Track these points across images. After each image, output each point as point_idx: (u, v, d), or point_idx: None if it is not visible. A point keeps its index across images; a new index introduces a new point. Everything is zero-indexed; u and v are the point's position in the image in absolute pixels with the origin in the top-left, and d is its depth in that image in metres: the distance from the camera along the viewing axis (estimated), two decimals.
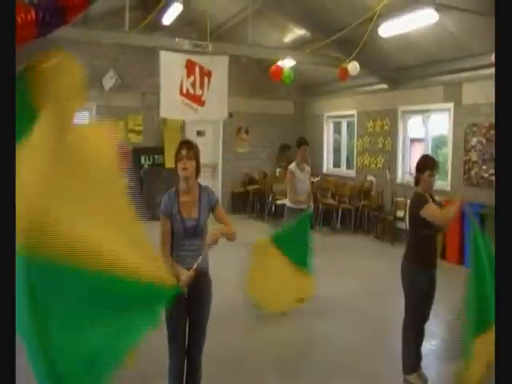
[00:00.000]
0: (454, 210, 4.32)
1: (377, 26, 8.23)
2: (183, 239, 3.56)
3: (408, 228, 4.72)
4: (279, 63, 10.29)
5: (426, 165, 4.47)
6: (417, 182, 4.54)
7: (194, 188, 3.61)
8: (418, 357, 4.54)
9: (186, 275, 3.31)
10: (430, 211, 4.32)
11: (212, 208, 3.64)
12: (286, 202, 6.98)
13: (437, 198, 8.75)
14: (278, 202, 12.21)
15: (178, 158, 3.54)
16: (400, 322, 4.65)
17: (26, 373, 2.48)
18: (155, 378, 4.38)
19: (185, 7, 10.78)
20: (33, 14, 3.20)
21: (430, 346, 5.34)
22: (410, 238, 4.61)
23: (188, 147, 3.54)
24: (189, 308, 3.62)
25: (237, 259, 5.93)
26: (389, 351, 5.17)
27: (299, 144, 7.02)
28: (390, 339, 5.43)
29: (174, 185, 3.69)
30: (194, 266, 3.33)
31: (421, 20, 7.63)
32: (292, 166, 6.94)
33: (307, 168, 7.04)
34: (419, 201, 4.41)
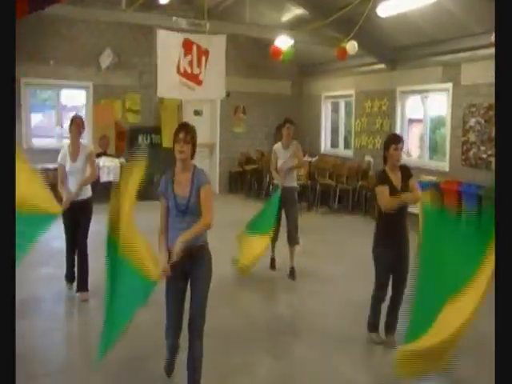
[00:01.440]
0: (399, 202, 4.65)
1: (375, 5, 8.17)
2: (176, 216, 3.77)
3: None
4: (276, 43, 10.22)
5: (391, 140, 4.82)
6: (385, 160, 4.86)
7: (188, 168, 3.81)
8: (378, 318, 5.03)
9: (162, 266, 3.64)
10: (379, 193, 4.75)
11: (198, 188, 3.75)
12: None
13: (434, 178, 8.71)
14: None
15: (175, 140, 3.73)
16: None
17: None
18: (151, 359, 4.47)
19: None
20: None
21: None
22: (377, 211, 5.01)
23: (186, 131, 3.72)
24: (189, 280, 3.83)
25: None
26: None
27: (284, 123, 7.23)
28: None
29: (171, 164, 3.90)
30: (174, 258, 3.61)
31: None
32: (276, 144, 7.28)
33: (292, 145, 7.15)
34: (379, 178, 4.84)
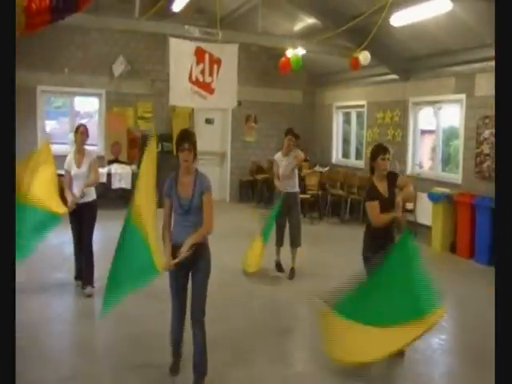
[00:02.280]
0: (389, 219, 4.80)
1: (389, 14, 8.13)
2: (181, 215, 4.12)
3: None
4: (288, 53, 10.22)
5: (378, 150, 4.90)
6: (372, 170, 4.98)
7: (191, 172, 4.15)
8: None
9: (167, 260, 4.02)
10: (369, 208, 4.86)
11: (201, 193, 4.10)
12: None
13: (447, 190, 8.68)
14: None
15: (179, 149, 4.06)
16: None
17: None
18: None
19: None
20: (47, 0, 3.21)
21: (438, 340, 5.33)
22: (366, 221, 5.09)
23: (189, 140, 4.05)
24: (190, 273, 4.17)
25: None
26: None
27: (286, 133, 7.65)
28: None
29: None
30: (180, 257, 3.96)
31: (434, 9, 7.52)
32: (277, 154, 7.65)
33: (292, 154, 7.49)
34: (368, 193, 4.94)
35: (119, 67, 12.57)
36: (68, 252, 7.94)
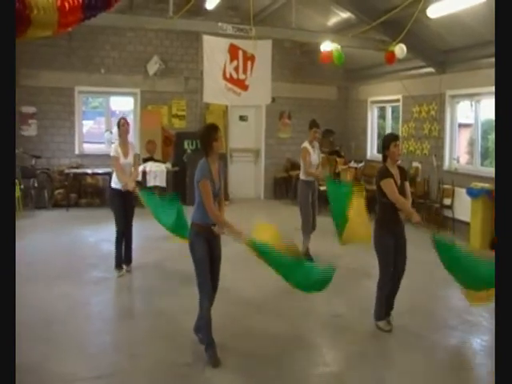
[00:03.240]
0: (406, 206, 5.09)
1: (425, 6, 7.98)
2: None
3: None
4: (322, 48, 10.14)
5: (390, 139, 5.22)
6: (385, 158, 5.22)
7: (217, 159, 4.65)
8: (386, 306, 5.28)
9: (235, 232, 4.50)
10: (387, 186, 5.06)
11: (222, 179, 4.70)
12: (301, 175, 7.96)
13: (487, 185, 8.59)
14: (321, 187, 12.07)
15: (214, 139, 4.51)
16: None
17: None
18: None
19: None
20: None
21: (481, 341, 5.18)
22: (378, 205, 5.33)
23: (220, 130, 4.60)
24: (211, 253, 4.59)
25: None
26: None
27: (310, 126, 7.98)
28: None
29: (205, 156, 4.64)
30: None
31: None
32: (306, 144, 7.90)
33: (317, 146, 8.01)
34: (382, 172, 5.14)
35: (154, 66, 12.70)
36: (105, 250, 8.11)
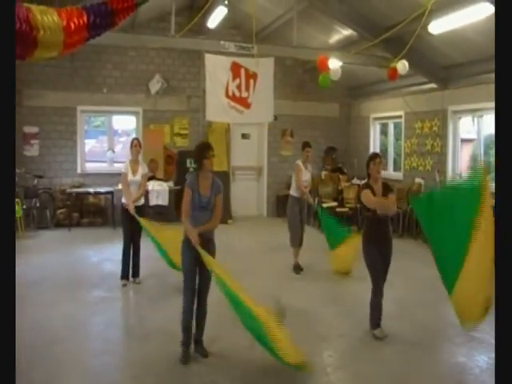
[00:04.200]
0: (384, 201, 5.50)
1: (427, 22, 7.99)
2: (198, 210, 4.89)
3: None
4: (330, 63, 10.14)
5: (370, 158, 5.67)
6: (368, 176, 5.66)
7: (209, 175, 4.99)
8: (380, 315, 5.55)
9: (194, 236, 4.74)
10: (364, 196, 5.49)
11: (215, 194, 4.95)
12: (291, 191, 8.43)
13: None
14: (324, 205, 12.04)
15: (206, 157, 4.88)
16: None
17: None
18: None
19: (229, 10, 10.82)
20: (85, 18, 3.25)
21: (488, 359, 5.07)
22: (364, 221, 5.80)
23: (212, 149, 4.97)
24: (199, 262, 4.85)
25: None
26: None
27: (303, 147, 8.38)
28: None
29: (197, 171, 5.01)
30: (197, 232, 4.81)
31: (474, 14, 7.33)
32: (299, 161, 8.33)
33: (309, 167, 8.53)
34: (362, 186, 5.66)
35: (156, 85, 12.74)
36: (107, 269, 8.07)
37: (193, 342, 5.05)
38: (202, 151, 4.91)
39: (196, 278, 4.97)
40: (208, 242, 4.93)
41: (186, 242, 4.90)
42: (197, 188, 4.87)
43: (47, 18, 3.00)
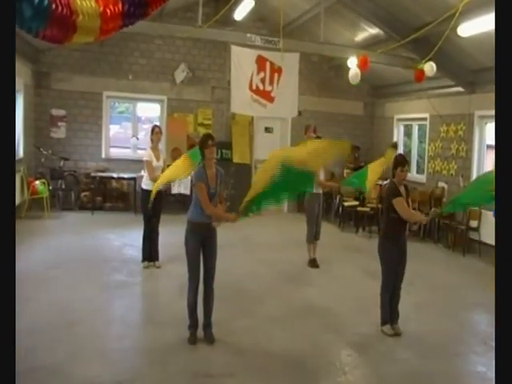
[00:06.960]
0: (420, 219, 5.80)
1: (456, 24, 7.86)
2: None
3: (383, 210, 6.02)
4: (349, 63, 10.08)
5: (398, 162, 5.66)
6: (393, 175, 5.67)
7: (213, 166, 5.22)
8: (390, 312, 5.67)
9: (232, 216, 5.00)
10: (400, 205, 5.50)
11: (220, 182, 5.23)
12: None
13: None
14: (346, 203, 11.97)
15: (206, 147, 5.09)
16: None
17: None
18: None
19: (256, 3, 10.78)
20: (120, 6, 3.28)
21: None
22: (384, 219, 5.84)
23: (212, 139, 5.18)
24: (204, 246, 5.18)
25: None
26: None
27: None
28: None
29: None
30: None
31: None
32: None
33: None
34: (393, 191, 5.58)
35: (181, 74, 12.78)
36: (129, 254, 8.18)
37: (201, 328, 5.22)
38: (202, 142, 5.15)
39: (200, 264, 5.19)
40: (213, 230, 5.22)
41: (190, 229, 5.15)
42: (206, 180, 5.09)
43: (86, 3, 3.04)
